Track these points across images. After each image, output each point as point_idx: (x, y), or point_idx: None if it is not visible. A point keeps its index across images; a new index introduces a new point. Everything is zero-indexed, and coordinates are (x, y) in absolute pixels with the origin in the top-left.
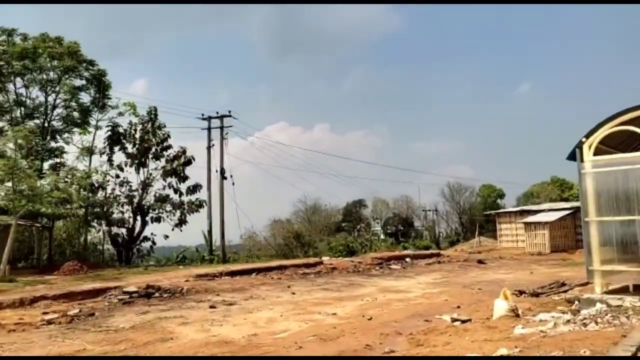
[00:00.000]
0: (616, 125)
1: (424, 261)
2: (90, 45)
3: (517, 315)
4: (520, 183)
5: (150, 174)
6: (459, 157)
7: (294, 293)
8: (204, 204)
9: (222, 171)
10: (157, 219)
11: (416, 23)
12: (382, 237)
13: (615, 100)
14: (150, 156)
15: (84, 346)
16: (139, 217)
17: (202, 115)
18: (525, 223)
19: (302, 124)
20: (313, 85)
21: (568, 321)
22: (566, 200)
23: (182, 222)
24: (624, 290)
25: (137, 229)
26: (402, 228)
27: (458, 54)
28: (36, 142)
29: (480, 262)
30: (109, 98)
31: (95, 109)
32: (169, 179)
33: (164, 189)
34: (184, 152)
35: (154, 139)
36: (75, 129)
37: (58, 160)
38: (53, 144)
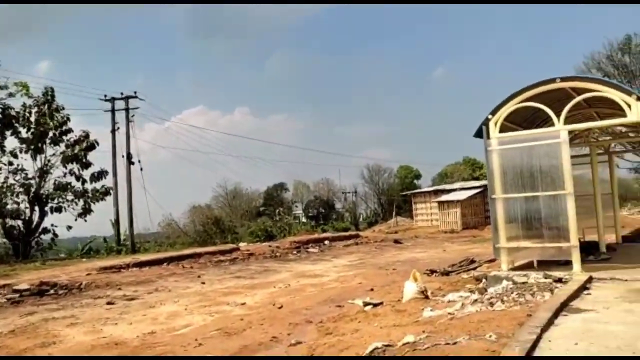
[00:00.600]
0: (521, 102)
1: (342, 243)
2: None
3: (427, 297)
4: (438, 163)
5: (49, 161)
6: (380, 140)
7: (204, 283)
8: (111, 192)
9: (129, 156)
10: (58, 209)
11: (336, 8)
12: (303, 220)
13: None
14: (48, 141)
15: None
16: (36, 208)
17: (105, 96)
18: (439, 202)
19: (222, 107)
20: (234, 69)
21: (475, 301)
22: (477, 179)
23: (86, 211)
24: (529, 266)
25: (35, 220)
26: (323, 211)
27: (377, 39)
28: None
29: (396, 241)
30: None
31: None
32: (70, 166)
33: (64, 176)
34: (87, 136)
35: (51, 123)
36: None
37: None
38: None
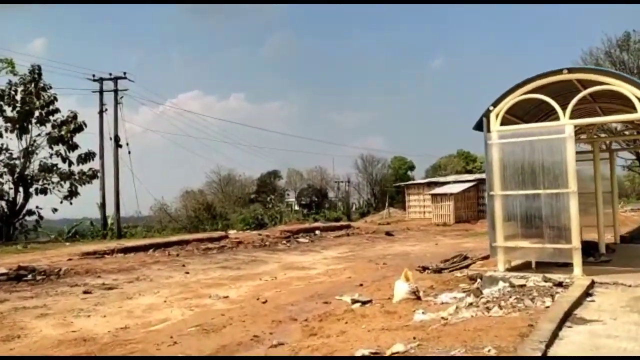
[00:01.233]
0: (525, 93)
1: (334, 233)
2: None
3: (419, 298)
4: (432, 155)
5: (34, 141)
6: (374, 129)
7: (187, 273)
8: (98, 175)
9: (117, 138)
10: (43, 191)
11: None
12: (296, 208)
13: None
14: (34, 121)
15: None
16: (21, 189)
17: (93, 76)
18: (432, 195)
19: (217, 92)
20: (230, 51)
21: (471, 304)
22: (470, 172)
23: (73, 194)
24: (526, 267)
25: (20, 201)
26: (316, 199)
27: (376, 23)
28: None
29: (388, 233)
30: None
31: None
32: (56, 147)
33: (50, 157)
34: (75, 117)
35: (37, 102)
36: None
37: None
38: None
